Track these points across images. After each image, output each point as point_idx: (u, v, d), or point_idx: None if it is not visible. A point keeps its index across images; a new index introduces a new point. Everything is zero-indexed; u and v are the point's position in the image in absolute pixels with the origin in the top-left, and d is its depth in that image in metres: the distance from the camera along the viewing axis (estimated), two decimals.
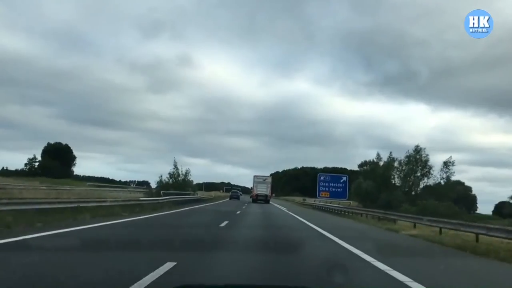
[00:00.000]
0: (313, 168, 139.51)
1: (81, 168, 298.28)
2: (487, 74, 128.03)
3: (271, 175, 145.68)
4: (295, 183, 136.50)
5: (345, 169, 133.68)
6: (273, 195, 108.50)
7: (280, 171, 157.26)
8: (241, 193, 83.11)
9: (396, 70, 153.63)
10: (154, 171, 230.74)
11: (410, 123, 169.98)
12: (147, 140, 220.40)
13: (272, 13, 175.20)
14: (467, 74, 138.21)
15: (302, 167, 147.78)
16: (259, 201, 49.75)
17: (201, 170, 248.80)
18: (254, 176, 54.22)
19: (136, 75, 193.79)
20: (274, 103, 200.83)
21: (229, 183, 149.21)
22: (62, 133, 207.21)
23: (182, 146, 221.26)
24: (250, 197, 59.76)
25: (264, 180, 53.57)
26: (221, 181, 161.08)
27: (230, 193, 75.33)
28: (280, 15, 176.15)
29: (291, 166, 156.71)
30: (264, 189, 52.15)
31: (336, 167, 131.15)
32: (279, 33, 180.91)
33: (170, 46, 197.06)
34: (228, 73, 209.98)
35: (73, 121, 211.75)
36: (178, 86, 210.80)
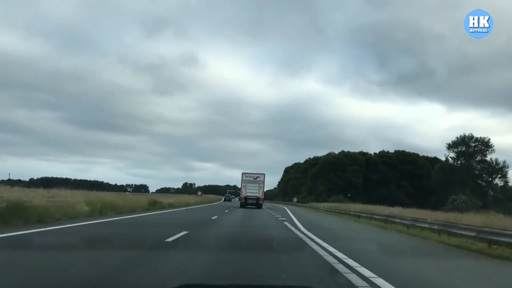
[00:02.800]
0: (364, 153, 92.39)
1: (91, 173, 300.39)
2: (509, 71, 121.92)
3: (287, 169, 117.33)
4: (335, 178, 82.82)
5: (416, 154, 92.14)
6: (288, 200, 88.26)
7: (301, 161, 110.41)
8: (233, 196, 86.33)
9: (411, 67, 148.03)
10: (163, 177, 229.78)
11: (425, 124, 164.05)
12: (155, 144, 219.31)
13: (280, 8, 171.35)
14: (486, 70, 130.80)
15: (343, 151, 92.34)
16: (248, 206, 40.29)
17: (209, 174, 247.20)
18: (243, 173, 42.93)
19: (141, 75, 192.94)
20: (283, 104, 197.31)
21: (234, 186, 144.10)
22: (68, 138, 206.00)
23: (190, 150, 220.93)
24: (239, 200, 50.53)
25: (256, 178, 42.35)
26: (226, 184, 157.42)
27: (224, 196, 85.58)
28: (289, 9, 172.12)
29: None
30: (255, 190, 41.64)
31: (406, 150, 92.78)
32: (288, 29, 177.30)
33: (174, 45, 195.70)
34: (236, 73, 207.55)
35: (78, 126, 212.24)
36: (184, 87, 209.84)
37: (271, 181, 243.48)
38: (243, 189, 42.46)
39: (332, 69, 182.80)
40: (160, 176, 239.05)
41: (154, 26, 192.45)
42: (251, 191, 41.49)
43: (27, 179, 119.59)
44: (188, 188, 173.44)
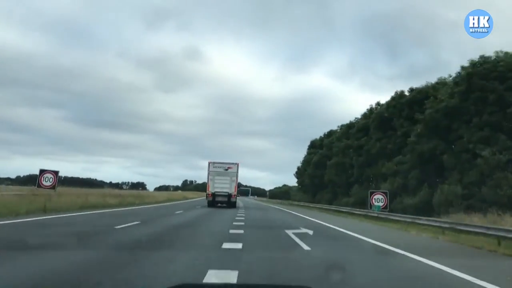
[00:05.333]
0: None
1: (100, 173, 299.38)
2: None
3: (313, 143, 68.85)
4: None
5: None
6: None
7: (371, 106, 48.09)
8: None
9: (423, 60, 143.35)
10: (165, 175, 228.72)
11: None
12: (159, 143, 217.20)
13: None
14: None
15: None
16: (219, 204, 33.49)
17: None
18: (210, 163, 34.47)
19: (143, 71, 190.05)
20: (290, 101, 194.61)
21: (239, 184, 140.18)
22: (74, 137, 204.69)
23: (197, 148, 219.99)
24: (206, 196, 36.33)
25: (227, 169, 34.17)
26: None
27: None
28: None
29: None
30: (225, 185, 33.61)
31: None
32: (295, 20, 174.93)
33: (176, 38, 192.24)
34: (240, 68, 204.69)
35: (79, 124, 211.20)
36: (188, 83, 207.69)
37: (278, 180, 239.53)
38: (210, 183, 33.80)
39: (341, 63, 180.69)
40: (162, 174, 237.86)
41: (155, 18, 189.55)
42: (221, 186, 33.70)
43: (14, 176, 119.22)
44: (188, 186, 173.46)
